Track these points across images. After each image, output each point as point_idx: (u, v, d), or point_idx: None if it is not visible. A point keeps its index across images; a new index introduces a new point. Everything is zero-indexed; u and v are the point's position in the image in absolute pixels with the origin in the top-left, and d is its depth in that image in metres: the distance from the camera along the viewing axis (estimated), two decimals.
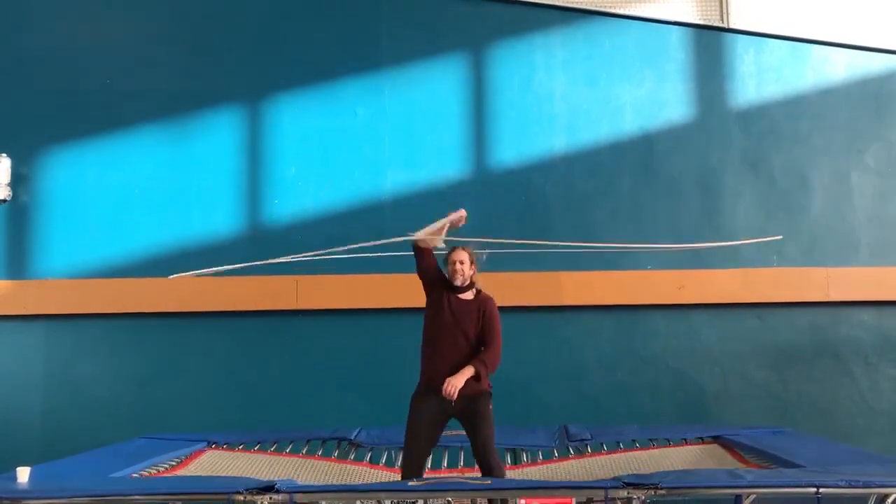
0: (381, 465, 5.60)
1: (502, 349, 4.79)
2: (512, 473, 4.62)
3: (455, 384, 4.57)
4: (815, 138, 7.77)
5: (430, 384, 4.71)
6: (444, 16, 7.82)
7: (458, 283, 4.82)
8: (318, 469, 5.38)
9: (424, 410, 4.71)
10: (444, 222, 4.91)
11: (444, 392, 4.56)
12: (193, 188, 7.58)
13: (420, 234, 4.86)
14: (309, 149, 7.67)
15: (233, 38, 7.83)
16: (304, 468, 5.36)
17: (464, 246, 4.89)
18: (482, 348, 4.73)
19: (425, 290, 4.94)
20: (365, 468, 5.55)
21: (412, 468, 4.60)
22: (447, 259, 4.85)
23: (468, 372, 4.62)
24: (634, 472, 4.27)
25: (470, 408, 4.66)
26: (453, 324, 4.76)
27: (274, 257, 7.40)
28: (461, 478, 3.99)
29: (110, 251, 7.51)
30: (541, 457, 5.55)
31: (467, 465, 5.30)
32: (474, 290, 4.88)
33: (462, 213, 4.95)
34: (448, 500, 4.25)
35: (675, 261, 7.53)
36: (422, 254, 4.93)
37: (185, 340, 7.45)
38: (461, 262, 4.81)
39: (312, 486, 3.81)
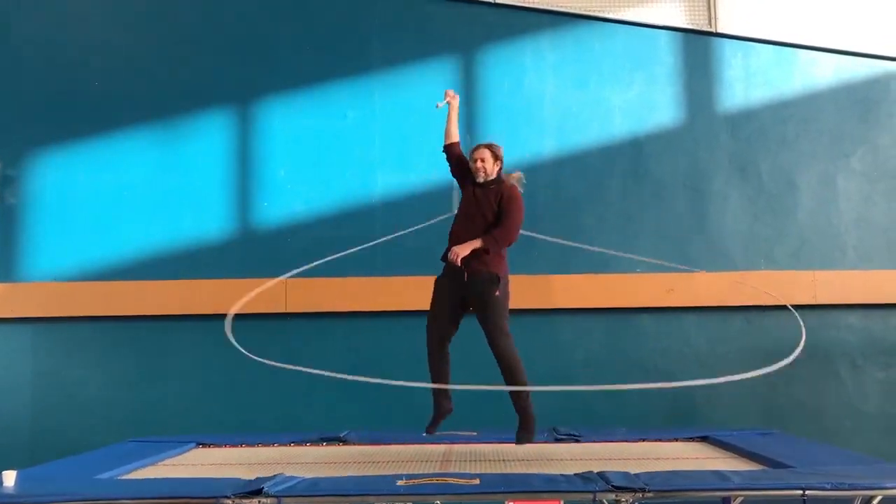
0: (370, 443, 5.72)
1: (519, 226, 4.93)
2: (499, 466, 4.63)
3: (457, 251, 4.78)
4: (802, 142, 7.83)
5: (446, 265, 4.94)
6: (434, 19, 7.85)
7: (479, 179, 4.99)
8: (308, 455, 5.39)
9: (440, 290, 4.99)
10: (450, 114, 5.21)
11: (449, 257, 4.80)
12: (183, 190, 7.57)
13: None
14: (299, 151, 7.68)
15: (223, 40, 7.83)
16: (295, 456, 5.36)
17: (487, 143, 5.04)
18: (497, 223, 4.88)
19: (459, 186, 5.18)
20: (354, 446, 5.63)
21: (431, 348, 4.96)
22: (470, 157, 5.05)
23: (474, 243, 4.81)
24: (623, 464, 4.28)
25: (477, 291, 4.85)
26: (475, 210, 4.94)
27: (263, 260, 7.43)
28: (450, 479, 3.99)
29: (99, 254, 7.49)
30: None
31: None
32: (500, 183, 5.02)
33: (450, 93, 5.21)
34: (437, 502, 4.25)
35: (664, 264, 7.55)
36: (448, 151, 5.17)
37: (175, 343, 7.44)
38: (482, 160, 4.98)
39: (301, 490, 3.80)
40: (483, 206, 4.94)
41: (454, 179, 5.28)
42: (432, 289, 5.09)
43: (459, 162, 5.16)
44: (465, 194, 5.10)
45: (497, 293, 4.85)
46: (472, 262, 4.86)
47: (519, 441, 4.98)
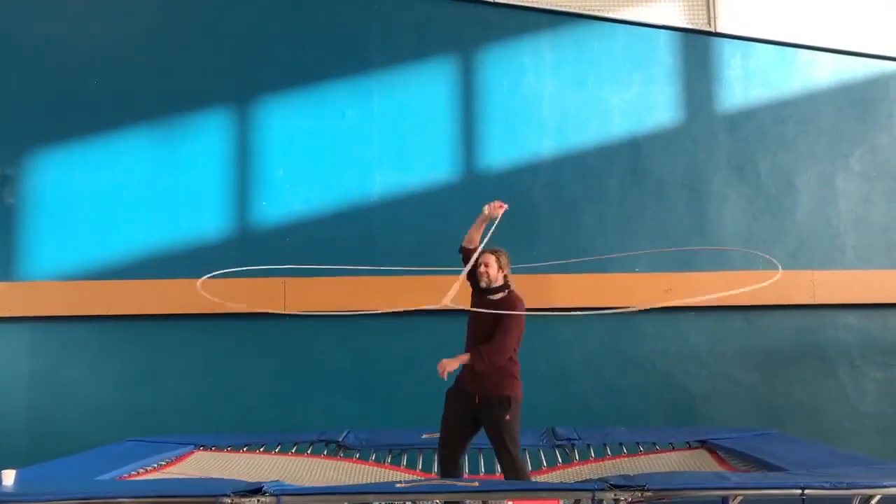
0: (370, 461, 5.65)
1: (512, 343, 4.75)
2: (498, 467, 4.63)
3: (444, 364, 4.66)
4: (801, 142, 7.83)
5: (456, 381, 4.87)
6: (434, 18, 7.84)
7: (483, 284, 4.88)
8: (306, 467, 5.38)
9: (452, 406, 4.85)
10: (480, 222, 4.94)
11: (437, 369, 4.67)
12: (182, 190, 7.57)
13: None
14: (297, 150, 7.67)
15: (222, 39, 7.82)
16: (293, 467, 5.35)
17: (493, 249, 4.92)
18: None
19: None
20: (353, 464, 5.58)
21: (443, 466, 4.80)
22: (476, 261, 4.90)
23: (462, 358, 4.72)
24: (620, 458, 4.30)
25: (488, 414, 4.71)
26: (477, 324, 4.83)
27: (262, 259, 7.42)
28: (449, 480, 4.00)
29: (97, 253, 7.48)
30: (529, 464, 5.55)
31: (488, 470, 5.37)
32: (506, 291, 4.90)
33: (495, 205, 4.92)
34: (436, 503, 4.25)
35: (663, 264, 7.57)
36: (464, 255, 5.01)
37: (173, 343, 7.43)
38: (486, 265, 4.86)
39: (300, 489, 3.80)
40: (487, 320, 4.75)
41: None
42: (445, 401, 4.91)
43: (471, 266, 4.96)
44: (472, 302, 4.94)
45: (508, 417, 4.68)
46: (484, 383, 4.72)
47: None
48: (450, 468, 4.79)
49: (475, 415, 4.75)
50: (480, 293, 4.92)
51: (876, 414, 7.55)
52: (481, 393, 4.72)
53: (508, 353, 4.75)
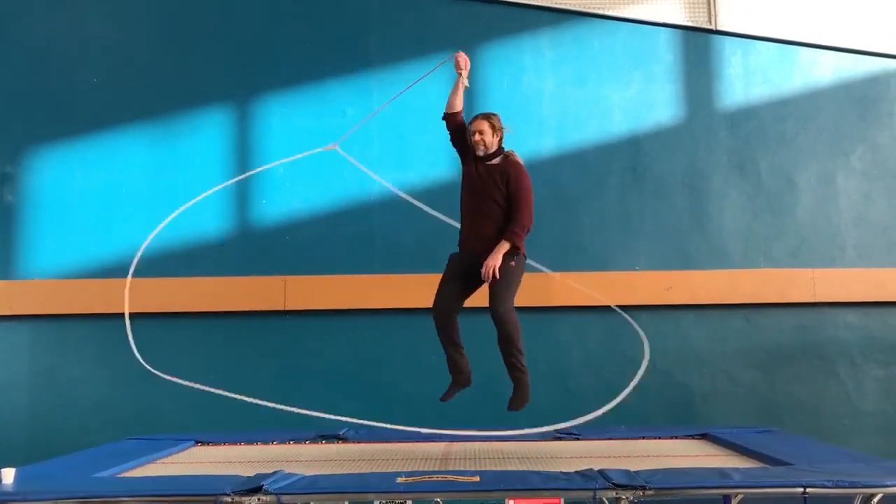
0: (370, 440, 5.71)
1: (533, 206, 4.87)
2: (499, 464, 4.62)
3: (492, 264, 4.68)
4: (801, 140, 7.82)
5: (461, 248, 4.93)
6: (433, 16, 7.83)
7: (479, 153, 4.88)
8: (305, 452, 5.38)
9: (455, 265, 4.93)
10: (457, 83, 5.01)
11: (483, 276, 4.71)
12: (181, 188, 7.55)
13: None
14: (297, 149, 7.63)
15: (221, 37, 7.81)
16: (292, 453, 5.35)
17: (485, 114, 4.92)
18: (511, 208, 4.81)
19: (460, 159, 5.06)
20: (353, 446, 5.62)
21: (438, 307, 4.86)
22: (468, 130, 4.91)
23: (503, 248, 4.73)
24: (623, 462, 4.29)
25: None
26: (481, 190, 4.83)
27: (261, 258, 7.42)
28: (449, 477, 3.98)
29: (97, 251, 7.47)
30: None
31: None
32: (502, 156, 4.91)
33: (457, 56, 5.03)
34: (437, 501, 4.24)
35: (663, 262, 7.58)
36: (448, 120, 5.02)
37: (173, 341, 7.42)
38: (480, 133, 4.86)
39: (300, 487, 3.79)
40: (489, 186, 4.83)
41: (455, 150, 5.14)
42: (446, 265, 5.02)
43: (460, 132, 5.02)
44: (467, 169, 4.97)
45: (512, 264, 4.79)
46: (493, 241, 4.79)
47: (511, 407, 4.93)
48: (442, 319, 4.86)
49: (476, 272, 4.77)
50: (476, 159, 4.91)
51: (876, 412, 7.55)
52: (487, 250, 4.77)
53: (532, 216, 4.86)
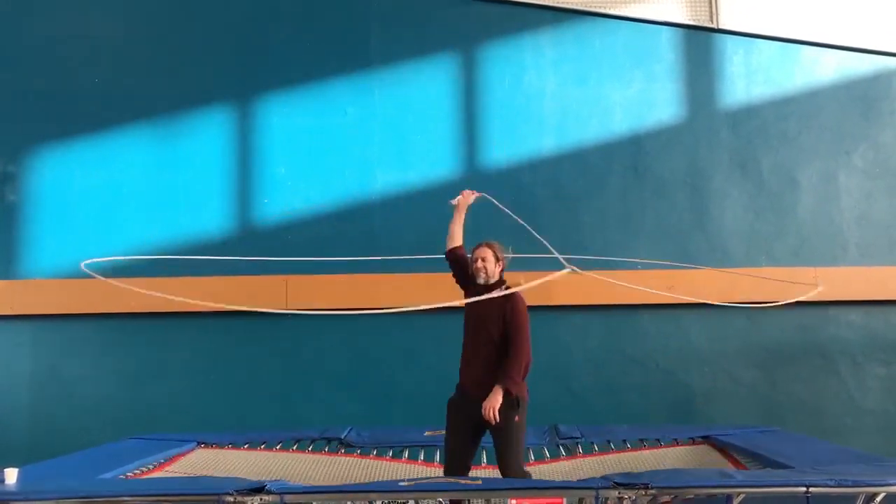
0: (371, 455, 5.65)
1: (530, 347, 4.63)
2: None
3: (490, 406, 4.43)
4: (803, 139, 7.81)
5: (459, 389, 4.69)
6: (434, 15, 7.82)
7: (480, 281, 4.67)
8: (308, 464, 5.37)
9: (453, 418, 4.64)
10: (457, 215, 4.93)
11: (484, 417, 4.44)
12: (182, 188, 7.56)
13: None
14: (298, 148, 7.66)
15: (222, 37, 7.81)
16: (295, 464, 5.35)
17: (489, 242, 4.74)
18: (508, 351, 4.56)
19: (463, 291, 4.84)
20: (355, 459, 5.58)
21: (453, 472, 4.49)
22: (471, 256, 4.73)
23: (499, 392, 4.47)
24: (625, 472, 4.29)
25: (494, 431, 4.51)
26: (478, 325, 4.62)
27: (264, 256, 7.41)
28: (452, 479, 3.99)
29: (98, 251, 7.45)
30: (532, 457, 5.55)
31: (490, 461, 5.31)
32: (503, 287, 4.67)
33: (463, 194, 4.95)
34: (439, 501, 4.24)
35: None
36: (450, 256, 4.86)
37: (174, 341, 7.42)
38: (483, 260, 4.67)
39: (302, 487, 3.79)
40: (486, 320, 4.59)
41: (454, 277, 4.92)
42: (447, 409, 4.73)
43: (461, 264, 4.84)
44: (468, 304, 4.68)
45: (517, 419, 4.51)
46: (490, 387, 4.51)
47: None
48: (461, 474, 4.52)
49: (480, 420, 4.51)
50: (477, 290, 4.68)
51: (878, 411, 7.54)
52: (483, 394, 4.50)
53: (530, 355, 4.61)
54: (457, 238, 4.87)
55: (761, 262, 7.63)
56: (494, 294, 4.60)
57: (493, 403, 4.43)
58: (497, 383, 4.49)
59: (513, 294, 4.63)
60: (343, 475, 5.14)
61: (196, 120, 7.65)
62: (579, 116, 7.76)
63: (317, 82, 7.75)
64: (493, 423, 4.43)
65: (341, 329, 7.44)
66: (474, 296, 4.59)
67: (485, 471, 5.15)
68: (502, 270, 4.75)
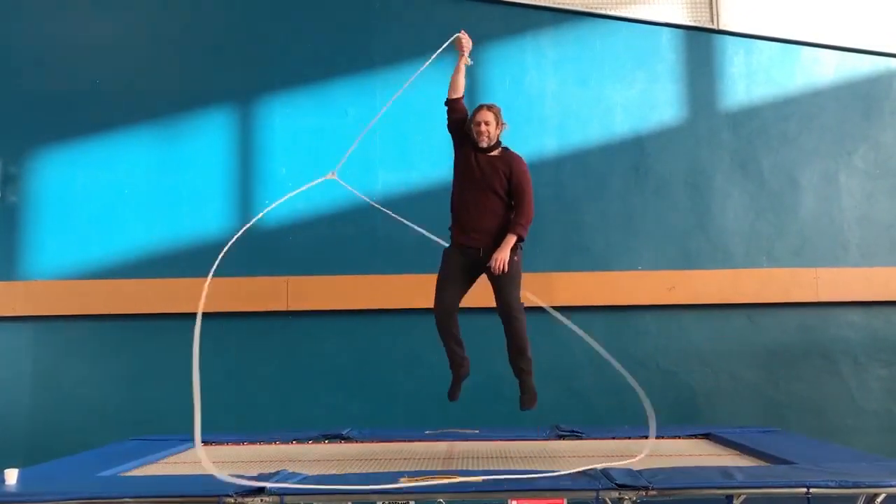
0: (373, 440, 5.71)
1: (533, 201, 4.93)
2: (501, 464, 4.62)
3: (502, 258, 4.71)
4: (804, 139, 7.81)
5: (460, 240, 4.88)
6: (436, 16, 7.82)
7: (483, 144, 4.86)
8: (309, 452, 5.38)
9: (454, 261, 4.88)
10: (459, 65, 5.05)
11: (493, 269, 4.71)
12: (184, 188, 7.56)
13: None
14: (300, 149, 7.66)
15: (224, 37, 7.82)
16: (296, 453, 5.35)
17: (489, 105, 4.90)
18: (514, 206, 4.86)
19: (454, 145, 5.03)
20: (356, 446, 5.61)
21: (440, 310, 4.81)
22: (471, 120, 4.89)
23: (511, 241, 4.76)
24: (624, 457, 4.29)
25: (496, 281, 4.78)
26: (481, 181, 4.83)
27: (265, 258, 7.42)
28: (453, 477, 3.98)
29: (100, 252, 7.48)
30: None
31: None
32: (501, 148, 4.93)
33: (460, 36, 5.08)
34: (439, 501, 4.24)
35: (666, 262, 7.57)
36: (451, 105, 5.01)
37: (175, 342, 7.40)
38: (486, 123, 4.84)
39: (303, 488, 3.79)
40: (491, 177, 4.83)
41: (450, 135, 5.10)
42: (442, 258, 4.99)
43: (459, 119, 5.00)
44: (464, 158, 4.94)
45: (516, 258, 4.82)
46: (491, 233, 4.82)
47: (525, 407, 4.94)
48: (447, 321, 4.83)
49: (477, 265, 4.81)
50: (475, 149, 4.90)
51: (879, 412, 7.54)
52: (488, 243, 4.79)
53: (533, 209, 4.91)
54: (460, 88, 5.03)
55: (762, 262, 7.63)
56: (497, 153, 4.90)
57: (504, 256, 4.73)
58: (509, 232, 4.79)
59: (514, 156, 4.92)
60: (342, 455, 5.15)
61: (198, 120, 7.66)
62: (580, 117, 7.76)
63: (318, 83, 7.76)
64: (501, 272, 4.70)
65: (343, 330, 7.45)
66: (474, 159, 4.86)
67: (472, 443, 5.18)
68: (501, 132, 4.93)
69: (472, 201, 4.87)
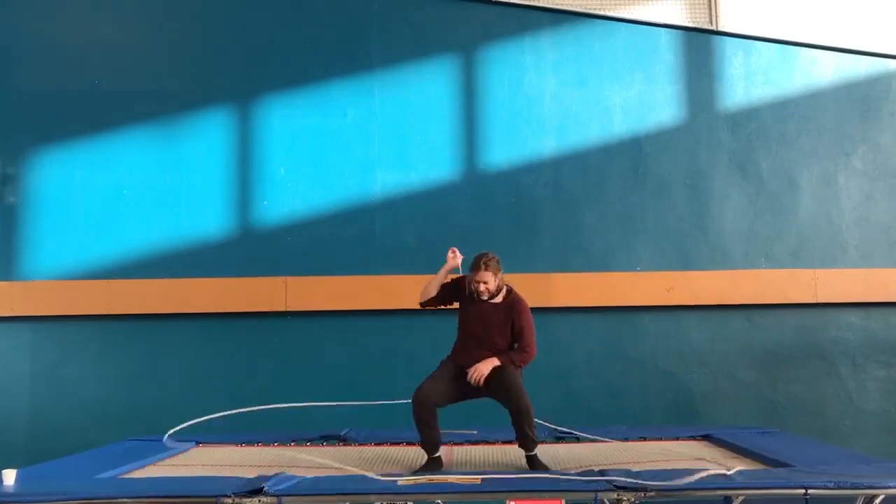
0: (370, 444, 5.71)
1: (535, 342, 4.89)
2: (500, 466, 4.62)
3: (481, 371, 4.70)
4: (802, 140, 7.82)
5: (459, 362, 4.86)
6: (435, 17, 7.83)
7: (484, 298, 4.89)
8: (306, 453, 5.37)
9: (447, 368, 4.85)
10: (441, 272, 5.03)
11: (469, 378, 4.71)
12: (182, 189, 7.56)
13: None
14: (298, 149, 7.66)
15: (223, 38, 7.81)
16: (293, 456, 5.34)
17: (485, 261, 4.83)
18: (517, 345, 4.84)
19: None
20: (354, 448, 5.61)
21: (418, 395, 4.71)
22: (471, 279, 4.89)
23: (494, 362, 4.75)
24: (624, 463, 4.28)
25: (494, 381, 4.74)
26: (485, 331, 4.84)
27: (264, 258, 7.42)
28: (451, 478, 3.98)
29: (98, 252, 7.47)
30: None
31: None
32: (504, 292, 4.94)
33: (451, 255, 5.02)
34: (437, 502, 4.24)
35: (664, 262, 7.57)
36: (428, 301, 5.06)
37: (174, 342, 7.42)
38: (485, 283, 4.85)
39: (301, 489, 3.79)
40: (497, 322, 4.84)
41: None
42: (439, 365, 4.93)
43: (445, 296, 5.04)
44: (466, 308, 4.94)
45: (517, 375, 4.80)
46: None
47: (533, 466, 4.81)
48: (424, 412, 4.69)
49: (469, 386, 4.76)
50: (479, 302, 4.90)
51: (878, 412, 7.54)
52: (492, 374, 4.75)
53: (535, 351, 4.89)
54: (431, 293, 5.04)
55: (761, 263, 7.63)
56: (499, 300, 4.90)
57: (483, 369, 4.71)
58: (501, 355, 4.79)
59: (517, 300, 4.92)
60: (341, 456, 5.14)
61: (197, 120, 7.66)
62: (579, 118, 7.77)
63: (317, 83, 7.76)
64: (475, 384, 4.69)
65: (341, 330, 7.45)
66: (476, 307, 4.88)
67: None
68: (500, 282, 4.93)
69: (481, 337, 4.85)
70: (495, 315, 4.86)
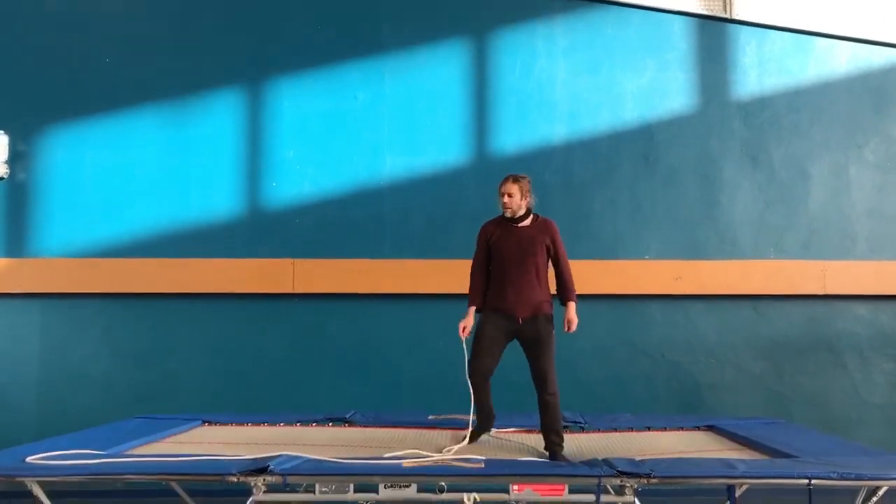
0: (374, 425, 5.73)
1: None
2: (504, 450, 4.64)
3: (574, 321, 4.97)
4: (815, 131, 7.77)
5: (499, 309, 4.90)
6: (446, 1, 7.79)
7: (508, 215, 4.91)
8: (312, 433, 5.40)
9: (493, 329, 4.89)
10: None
11: (567, 331, 4.96)
12: (192, 169, 7.57)
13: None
14: (308, 132, 7.66)
15: (234, 20, 7.79)
16: (299, 435, 5.38)
17: (515, 177, 4.91)
18: (559, 274, 5.00)
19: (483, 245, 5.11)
20: (359, 429, 5.63)
21: (476, 377, 4.87)
22: (498, 191, 4.96)
23: (573, 307, 4.99)
24: (628, 452, 4.29)
25: (534, 332, 4.85)
26: (522, 253, 4.87)
27: (272, 240, 7.44)
28: (454, 461, 4.00)
29: (108, 231, 7.50)
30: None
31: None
32: (531, 216, 4.97)
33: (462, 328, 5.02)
34: (441, 484, 4.25)
35: (673, 251, 7.55)
36: (482, 272, 5.08)
37: (181, 322, 7.45)
38: (509, 195, 4.89)
39: (306, 469, 3.81)
40: (531, 246, 4.89)
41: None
42: (480, 323, 4.99)
43: (487, 257, 5.04)
44: (497, 241, 4.95)
45: (551, 327, 4.93)
46: (530, 303, 4.88)
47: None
48: (481, 380, 4.91)
49: (515, 333, 4.88)
50: (507, 224, 4.94)
51: (884, 405, 7.53)
52: (529, 313, 4.85)
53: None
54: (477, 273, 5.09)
55: (770, 254, 7.61)
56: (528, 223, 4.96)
57: (574, 317, 4.98)
58: (568, 300, 4.99)
59: (548, 221, 4.99)
60: (346, 438, 5.17)
61: (207, 102, 7.66)
62: (590, 104, 7.73)
63: (328, 67, 7.74)
64: (538, 355, 4.81)
65: (348, 312, 7.46)
66: (505, 231, 4.91)
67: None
68: (528, 203, 4.96)
69: (514, 274, 4.88)
70: (527, 235, 4.89)
